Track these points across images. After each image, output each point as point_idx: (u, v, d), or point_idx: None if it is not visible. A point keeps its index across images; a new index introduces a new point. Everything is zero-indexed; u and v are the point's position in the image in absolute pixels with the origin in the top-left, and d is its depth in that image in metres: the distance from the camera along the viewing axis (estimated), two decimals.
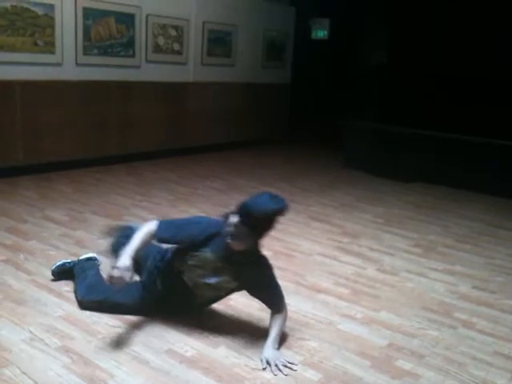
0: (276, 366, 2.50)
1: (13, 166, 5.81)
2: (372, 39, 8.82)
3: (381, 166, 7.18)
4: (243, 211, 2.50)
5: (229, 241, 2.56)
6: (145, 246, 2.68)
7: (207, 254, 2.65)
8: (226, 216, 2.60)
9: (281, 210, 2.51)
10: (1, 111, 5.61)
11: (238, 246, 2.57)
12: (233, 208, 2.60)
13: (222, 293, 2.82)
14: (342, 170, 7.58)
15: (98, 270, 3.19)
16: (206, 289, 2.74)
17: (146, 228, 2.67)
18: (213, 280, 2.69)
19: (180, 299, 2.84)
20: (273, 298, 2.77)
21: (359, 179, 7.05)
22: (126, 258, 2.53)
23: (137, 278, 2.88)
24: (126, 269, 2.50)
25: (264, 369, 2.50)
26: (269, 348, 2.61)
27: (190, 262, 2.69)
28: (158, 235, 2.68)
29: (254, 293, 2.79)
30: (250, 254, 2.64)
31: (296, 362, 2.57)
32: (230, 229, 2.53)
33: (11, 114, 5.71)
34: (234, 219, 2.52)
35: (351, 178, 7.12)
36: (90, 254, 3.37)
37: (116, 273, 2.48)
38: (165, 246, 2.85)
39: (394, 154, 7.05)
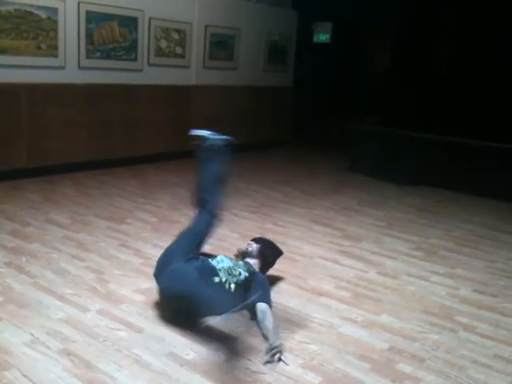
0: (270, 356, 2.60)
1: (16, 169, 5.84)
2: (374, 42, 8.85)
3: (383, 169, 7.19)
4: (263, 244, 3.52)
5: (248, 257, 3.44)
6: None
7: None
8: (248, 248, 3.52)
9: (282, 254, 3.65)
10: (4, 114, 5.64)
11: (252, 261, 3.40)
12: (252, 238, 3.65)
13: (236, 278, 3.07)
14: (345, 173, 7.58)
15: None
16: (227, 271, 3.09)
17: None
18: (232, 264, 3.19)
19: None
20: (267, 295, 3.09)
21: (361, 182, 7.05)
22: None
23: None
24: None
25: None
26: (270, 340, 2.70)
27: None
28: None
29: (255, 286, 3.09)
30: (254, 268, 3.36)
31: (288, 362, 2.60)
32: (251, 249, 3.46)
33: (14, 116, 5.73)
34: (256, 246, 3.47)
35: (353, 181, 7.12)
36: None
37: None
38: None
39: (396, 157, 7.05)
